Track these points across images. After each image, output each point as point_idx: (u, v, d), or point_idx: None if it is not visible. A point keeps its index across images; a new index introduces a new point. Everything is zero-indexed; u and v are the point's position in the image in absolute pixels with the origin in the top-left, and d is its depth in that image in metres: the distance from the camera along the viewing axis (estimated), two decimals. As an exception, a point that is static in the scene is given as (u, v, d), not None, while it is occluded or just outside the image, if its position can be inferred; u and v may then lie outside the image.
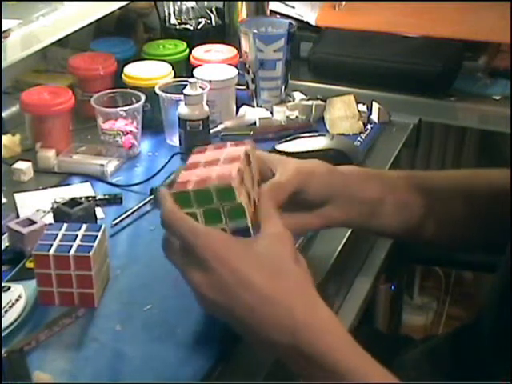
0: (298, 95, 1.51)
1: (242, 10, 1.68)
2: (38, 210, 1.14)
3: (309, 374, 0.72)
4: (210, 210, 0.75)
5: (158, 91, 1.35)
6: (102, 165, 1.27)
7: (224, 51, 1.54)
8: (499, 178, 0.91)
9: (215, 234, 0.75)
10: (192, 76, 1.40)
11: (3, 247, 1.05)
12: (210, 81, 1.37)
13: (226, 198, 0.75)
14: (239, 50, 1.51)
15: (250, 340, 0.76)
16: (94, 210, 1.10)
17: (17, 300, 0.94)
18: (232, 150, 0.84)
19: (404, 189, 0.92)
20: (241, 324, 0.74)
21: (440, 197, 0.93)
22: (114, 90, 1.37)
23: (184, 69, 1.50)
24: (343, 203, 0.90)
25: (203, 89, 1.32)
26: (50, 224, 1.04)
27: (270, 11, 1.72)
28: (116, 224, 1.13)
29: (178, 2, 1.67)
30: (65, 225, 0.98)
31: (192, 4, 1.67)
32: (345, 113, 1.42)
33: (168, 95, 1.34)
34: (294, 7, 1.75)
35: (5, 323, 0.91)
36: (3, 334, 0.89)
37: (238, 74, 1.45)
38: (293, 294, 0.72)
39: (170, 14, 1.67)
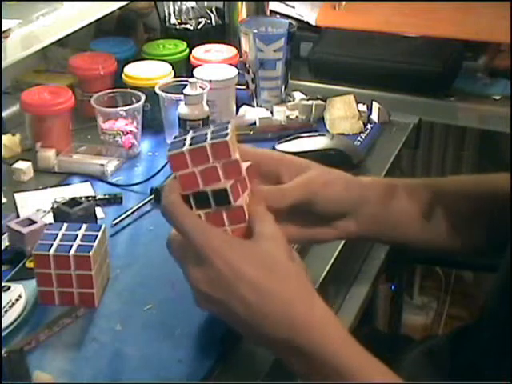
0: (297, 95, 1.51)
1: (242, 10, 1.68)
2: (38, 210, 1.14)
3: (306, 371, 0.72)
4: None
5: (157, 91, 1.35)
6: (102, 165, 1.27)
7: (224, 51, 1.54)
8: (503, 182, 0.92)
9: (215, 231, 0.75)
10: (192, 76, 1.40)
11: (3, 247, 1.05)
12: (210, 81, 1.37)
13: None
14: (239, 49, 1.51)
15: (246, 336, 0.77)
16: (94, 210, 1.10)
17: (17, 300, 0.94)
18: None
19: (429, 199, 0.91)
20: (237, 320, 0.73)
21: (452, 203, 0.92)
22: (114, 90, 1.37)
23: (184, 69, 1.50)
24: (362, 218, 0.88)
25: (203, 89, 1.32)
26: (50, 224, 1.04)
27: (270, 11, 1.72)
28: (116, 224, 1.13)
29: (178, 2, 1.67)
30: (65, 224, 0.98)
31: (192, 4, 1.67)
32: (345, 113, 1.42)
33: (168, 95, 1.35)
34: (294, 7, 1.75)
35: (5, 323, 0.91)
36: (3, 334, 0.89)
37: (238, 73, 1.45)
38: (289, 290, 0.72)
39: (169, 13, 1.67)
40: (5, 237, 1.06)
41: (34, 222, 1.05)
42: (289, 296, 0.72)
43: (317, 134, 1.35)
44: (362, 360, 0.71)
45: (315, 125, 1.43)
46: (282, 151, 1.30)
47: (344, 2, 1.76)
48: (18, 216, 1.14)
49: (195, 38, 1.60)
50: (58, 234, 0.96)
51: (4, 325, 0.90)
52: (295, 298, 0.72)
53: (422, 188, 0.92)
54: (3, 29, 1.11)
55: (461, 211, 0.92)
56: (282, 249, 0.74)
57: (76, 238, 0.95)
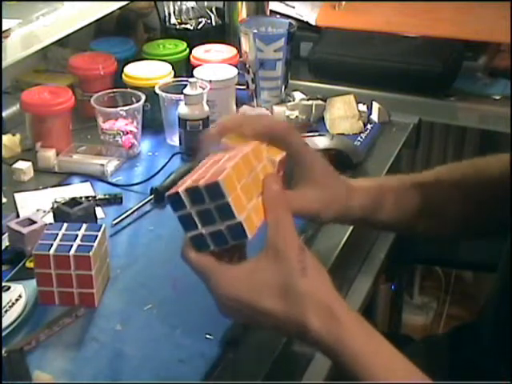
0: (297, 95, 1.51)
1: (242, 10, 1.68)
2: (38, 210, 1.14)
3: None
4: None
5: (157, 91, 1.35)
6: (102, 165, 1.27)
7: (224, 51, 1.54)
8: (486, 166, 0.92)
9: (220, 272, 0.74)
10: (192, 76, 1.40)
11: (3, 247, 1.05)
12: (210, 81, 1.37)
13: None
14: (239, 49, 1.51)
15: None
16: (94, 210, 1.10)
17: (17, 300, 0.94)
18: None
19: (401, 186, 0.92)
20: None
21: (433, 187, 0.93)
22: (114, 90, 1.37)
23: (184, 69, 1.50)
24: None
25: (203, 89, 1.32)
26: (50, 224, 1.04)
27: (270, 11, 1.72)
28: (116, 224, 1.13)
29: (178, 2, 1.67)
30: (65, 224, 0.98)
31: (192, 4, 1.67)
32: (345, 113, 1.42)
33: (168, 95, 1.35)
34: (294, 7, 1.75)
35: (5, 323, 0.91)
36: (3, 334, 0.89)
37: (238, 73, 1.45)
38: (307, 313, 0.72)
39: (169, 13, 1.67)
40: (5, 237, 1.06)
41: (34, 222, 1.05)
42: (310, 317, 0.72)
43: (317, 133, 1.35)
44: (397, 362, 0.72)
45: (315, 125, 1.43)
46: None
47: (344, 2, 1.76)
48: (18, 216, 1.14)
49: (195, 38, 1.60)
50: (58, 234, 0.96)
51: (4, 325, 0.90)
52: (318, 317, 0.72)
53: (410, 191, 0.93)
54: (3, 29, 1.11)
55: (441, 196, 0.92)
56: (292, 264, 0.73)
57: (76, 238, 0.95)
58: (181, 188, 0.73)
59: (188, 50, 1.53)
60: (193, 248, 0.74)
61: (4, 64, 1.12)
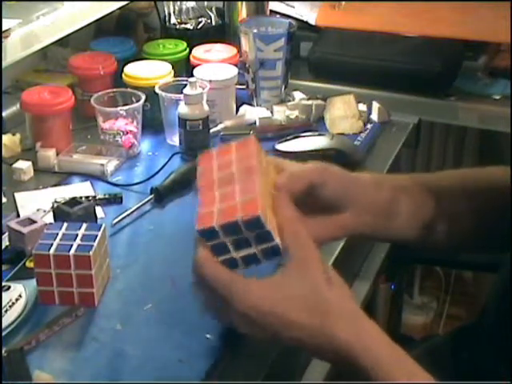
0: (297, 95, 1.51)
1: (242, 10, 1.68)
2: (38, 210, 1.14)
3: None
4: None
5: (157, 91, 1.35)
6: (102, 164, 1.27)
7: (224, 51, 1.54)
8: (497, 175, 0.91)
9: (246, 285, 0.74)
10: (192, 76, 1.40)
11: (3, 246, 1.05)
12: (210, 80, 1.37)
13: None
14: (239, 49, 1.51)
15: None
16: (94, 210, 1.10)
17: (17, 299, 0.94)
18: (241, 155, 0.81)
19: (415, 190, 0.91)
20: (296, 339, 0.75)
21: (446, 196, 0.92)
22: (114, 90, 1.37)
23: (184, 68, 1.50)
24: (359, 210, 0.87)
25: (203, 88, 1.32)
26: (50, 223, 1.04)
27: (270, 11, 1.71)
28: (116, 223, 1.13)
29: (178, 2, 1.67)
30: (65, 224, 0.98)
31: (192, 4, 1.67)
32: (345, 112, 1.42)
33: (168, 95, 1.34)
34: (293, 7, 1.75)
35: (5, 322, 0.91)
36: (3, 334, 0.89)
37: (238, 73, 1.45)
38: (335, 324, 0.72)
39: (169, 13, 1.67)
40: (5, 236, 1.06)
41: (34, 222, 1.05)
42: (337, 331, 0.72)
43: (317, 133, 1.35)
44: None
45: (315, 124, 1.42)
46: (283, 151, 1.31)
47: (343, 2, 1.76)
48: (18, 216, 1.14)
49: (195, 38, 1.60)
50: (58, 234, 0.96)
51: (4, 324, 0.90)
52: (345, 330, 0.72)
53: (405, 180, 0.92)
54: (3, 29, 1.11)
55: (458, 207, 0.91)
56: (318, 275, 0.74)
57: (76, 238, 0.95)
58: (216, 222, 0.74)
59: (188, 49, 1.53)
60: (212, 262, 0.75)
61: (4, 64, 1.12)
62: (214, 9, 1.70)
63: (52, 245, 0.94)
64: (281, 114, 1.44)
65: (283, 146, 1.32)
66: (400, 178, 0.95)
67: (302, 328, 0.72)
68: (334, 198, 0.86)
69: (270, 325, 0.73)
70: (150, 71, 1.42)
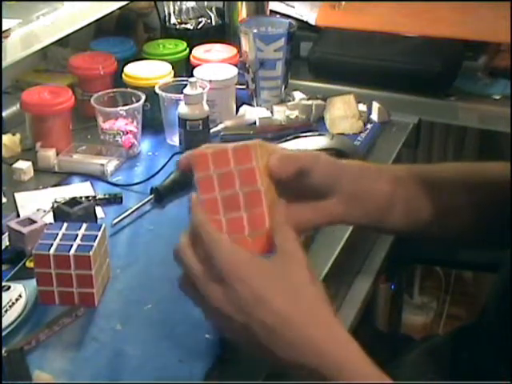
0: (297, 95, 1.51)
1: (242, 10, 1.68)
2: (38, 210, 1.14)
3: None
4: None
5: (157, 91, 1.35)
6: (102, 164, 1.27)
7: (224, 51, 1.54)
8: (498, 170, 0.91)
9: (240, 252, 0.74)
10: (192, 76, 1.40)
11: (3, 246, 1.05)
12: (210, 80, 1.37)
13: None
14: (239, 49, 1.51)
15: (264, 357, 0.76)
16: (94, 210, 1.10)
17: (17, 299, 0.94)
18: (241, 169, 0.79)
19: (411, 181, 0.90)
20: (256, 343, 0.73)
21: (444, 189, 0.91)
22: (114, 90, 1.38)
23: (184, 68, 1.50)
24: (346, 197, 0.86)
25: (203, 88, 1.32)
26: (50, 223, 1.04)
27: (270, 11, 1.71)
28: (116, 223, 1.13)
29: (178, 2, 1.67)
30: (65, 224, 0.98)
31: (192, 4, 1.67)
32: (345, 112, 1.42)
33: (168, 95, 1.35)
34: (293, 7, 1.75)
35: (5, 322, 0.91)
36: (3, 334, 0.89)
37: (238, 73, 1.45)
38: (311, 317, 0.72)
39: (169, 13, 1.67)
40: (5, 236, 1.06)
41: (34, 222, 1.05)
42: (311, 325, 0.71)
43: (317, 133, 1.35)
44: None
45: (315, 124, 1.43)
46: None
47: (343, 2, 1.75)
48: (18, 216, 1.14)
49: (195, 38, 1.60)
50: (58, 234, 0.96)
51: (4, 324, 0.90)
52: (317, 328, 0.71)
53: (401, 171, 0.91)
54: (3, 29, 1.11)
55: (458, 200, 0.91)
56: (304, 271, 0.74)
57: (76, 238, 0.95)
58: None
59: (188, 49, 1.53)
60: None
61: (4, 64, 1.12)
62: (213, 9, 1.70)
63: (52, 245, 0.94)
64: (281, 114, 1.44)
65: (283, 146, 1.32)
66: (396, 168, 0.94)
67: (277, 311, 0.71)
68: (322, 185, 0.85)
69: (244, 298, 0.71)
70: (150, 71, 1.42)
